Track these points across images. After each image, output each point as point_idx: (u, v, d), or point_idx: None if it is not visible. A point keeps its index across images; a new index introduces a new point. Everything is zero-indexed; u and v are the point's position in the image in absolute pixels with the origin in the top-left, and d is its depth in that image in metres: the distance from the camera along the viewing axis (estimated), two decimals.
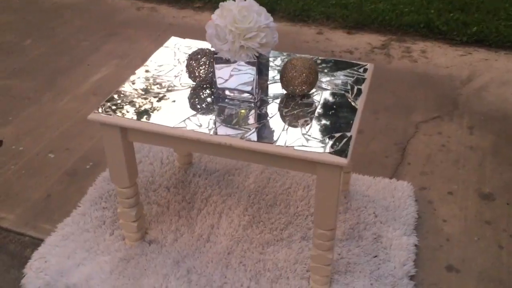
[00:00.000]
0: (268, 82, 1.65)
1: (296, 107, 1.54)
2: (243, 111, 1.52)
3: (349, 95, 1.59)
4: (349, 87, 1.63)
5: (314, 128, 1.45)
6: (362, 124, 2.47)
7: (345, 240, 1.81)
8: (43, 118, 2.53)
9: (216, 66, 1.53)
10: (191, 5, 3.71)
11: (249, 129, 1.44)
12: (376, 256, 1.76)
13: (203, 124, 1.46)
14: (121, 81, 1.71)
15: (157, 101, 1.57)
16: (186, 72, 1.63)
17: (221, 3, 1.48)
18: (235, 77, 1.54)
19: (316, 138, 1.40)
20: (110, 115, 1.50)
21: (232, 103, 1.56)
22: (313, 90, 1.61)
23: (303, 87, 1.54)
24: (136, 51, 3.11)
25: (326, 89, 1.62)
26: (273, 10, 3.60)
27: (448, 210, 1.99)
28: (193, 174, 2.09)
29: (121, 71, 2.88)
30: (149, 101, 1.57)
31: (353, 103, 1.55)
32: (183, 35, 1.97)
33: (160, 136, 1.48)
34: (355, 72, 1.71)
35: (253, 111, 1.53)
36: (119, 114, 1.51)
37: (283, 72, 1.55)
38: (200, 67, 1.59)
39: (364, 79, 1.68)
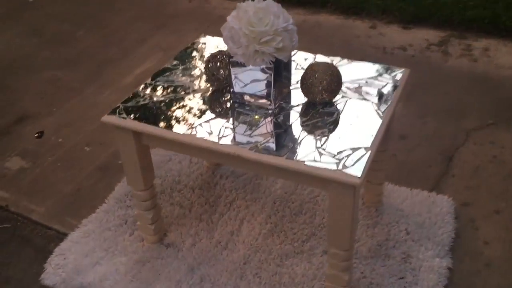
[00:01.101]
0: (291, 87, 1.56)
1: (315, 116, 1.43)
2: (257, 117, 1.43)
3: (376, 105, 1.46)
4: (377, 95, 1.50)
5: (331, 141, 1.34)
6: (406, 129, 2.33)
7: (370, 258, 1.69)
8: (84, 110, 2.56)
9: (232, 69, 1.45)
10: None
11: (261, 139, 1.36)
12: (402, 278, 1.63)
13: (214, 132, 1.39)
14: None
15: (174, 104, 1.52)
16: (205, 74, 1.57)
17: (238, 4, 1.39)
18: (252, 82, 1.46)
19: (330, 153, 1.30)
20: (124, 118, 1.47)
21: (249, 109, 1.48)
22: (338, 97, 1.49)
23: (324, 95, 1.43)
24: (182, 44, 3.08)
25: (351, 97, 1.50)
26: (325, 2, 3.45)
27: (491, 231, 1.81)
28: (220, 175, 2.03)
29: (163, 65, 2.86)
30: (165, 104, 1.52)
31: (379, 114, 1.42)
32: None
33: (170, 142, 1.43)
34: (388, 78, 1.57)
35: (268, 118, 1.44)
36: (132, 117, 1.47)
37: (302, 78, 1.45)
38: (220, 70, 1.51)
39: (396, 87, 1.54)
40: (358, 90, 1.53)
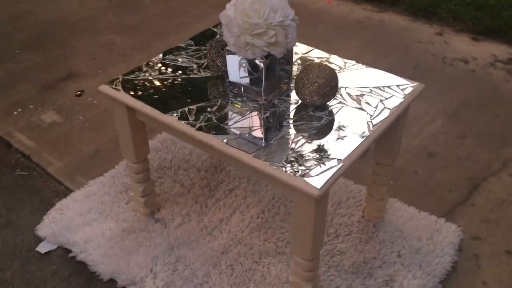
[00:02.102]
0: (293, 84, 1.50)
1: (303, 118, 1.37)
2: (239, 107, 1.40)
3: (370, 118, 1.37)
4: (377, 108, 1.41)
5: (308, 146, 1.28)
6: (438, 147, 2.17)
7: (352, 273, 1.62)
8: None
9: (228, 58, 1.42)
10: None
11: (237, 132, 1.33)
12: None
13: (197, 117, 1.38)
14: None
15: (170, 84, 1.52)
16: (206, 60, 1.55)
17: None
18: (246, 73, 1.42)
19: (301, 159, 1.24)
20: (118, 90, 1.50)
21: (240, 100, 1.45)
22: (334, 102, 1.42)
23: (314, 98, 1.36)
24: None
25: (348, 105, 1.42)
26: (396, 1, 3.28)
27: (495, 272, 1.66)
28: None
29: None
30: (162, 83, 1.53)
31: (369, 127, 1.34)
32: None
33: (154, 121, 1.44)
34: (396, 90, 1.47)
35: (254, 113, 1.40)
36: (127, 90, 1.50)
37: (296, 77, 1.39)
38: (219, 57, 1.49)
39: (400, 101, 1.43)
40: (358, 98, 1.45)
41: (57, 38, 3.00)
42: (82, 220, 1.80)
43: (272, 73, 1.40)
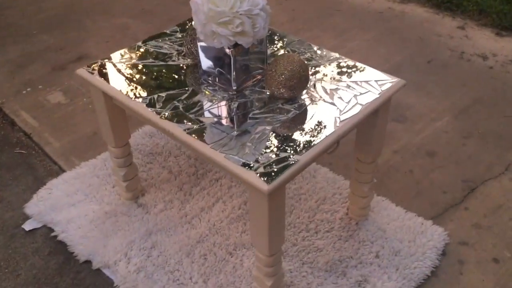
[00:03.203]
0: None
1: (270, 111, 1.34)
2: (207, 94, 1.39)
3: (338, 114, 1.32)
4: (349, 103, 1.36)
5: (267, 140, 1.25)
6: (439, 146, 2.08)
7: (325, 271, 1.58)
8: None
9: (200, 45, 1.40)
10: None
11: (202, 122, 1.31)
12: None
13: (165, 104, 1.37)
14: None
15: (145, 71, 1.52)
16: (183, 47, 1.54)
17: None
18: (217, 62, 1.40)
19: (257, 153, 1.21)
20: (92, 73, 1.51)
21: (212, 89, 1.43)
22: (305, 96, 1.38)
23: (281, 91, 1.33)
24: None
25: (319, 99, 1.38)
26: None
27: (478, 280, 1.58)
28: None
29: None
30: (138, 69, 1.53)
31: (336, 123, 1.29)
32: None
33: (124, 107, 1.45)
34: (374, 86, 1.41)
35: (222, 103, 1.38)
36: (102, 75, 1.50)
37: (265, 68, 1.36)
38: (194, 45, 1.47)
39: (376, 97, 1.37)
40: (332, 92, 1.40)
41: (74, 20, 3.06)
42: (68, 201, 1.84)
43: (241, 63, 1.37)
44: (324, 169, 1.93)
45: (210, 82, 1.45)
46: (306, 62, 1.50)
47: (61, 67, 2.64)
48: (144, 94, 1.42)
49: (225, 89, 1.42)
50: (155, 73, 1.51)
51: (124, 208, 1.80)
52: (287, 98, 1.36)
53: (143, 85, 1.46)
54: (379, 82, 1.43)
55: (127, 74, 1.51)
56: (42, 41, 2.86)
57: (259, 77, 1.45)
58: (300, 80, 1.32)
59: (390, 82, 1.42)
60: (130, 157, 1.72)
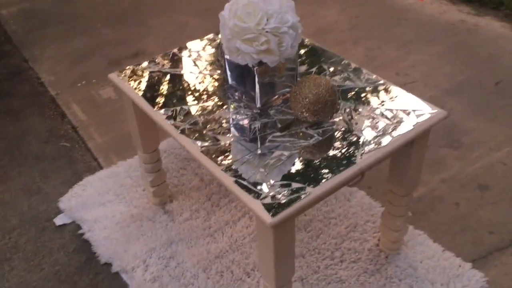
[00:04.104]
0: None
1: (291, 135, 1.26)
2: (232, 108, 1.34)
3: (360, 145, 1.22)
4: (379, 134, 1.25)
5: (282, 167, 1.18)
6: (493, 180, 1.89)
7: None
8: None
9: (227, 60, 1.35)
10: None
11: (217, 140, 1.26)
12: None
13: (187, 119, 1.33)
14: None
15: (175, 79, 1.49)
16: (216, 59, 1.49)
17: None
18: (243, 78, 1.34)
19: (269, 180, 1.14)
20: (124, 80, 1.49)
21: (237, 105, 1.37)
22: (333, 121, 1.29)
23: (305, 114, 1.24)
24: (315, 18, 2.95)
25: (347, 125, 1.28)
26: (499, 5, 2.91)
27: None
28: None
29: None
30: (167, 78, 1.50)
31: (356, 157, 1.19)
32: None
33: (147, 115, 1.42)
34: (409, 117, 1.29)
35: (245, 121, 1.32)
36: (132, 81, 1.49)
37: (291, 90, 1.28)
38: (223, 58, 1.42)
39: (406, 131, 1.25)
40: (362, 119, 1.29)
41: (137, 16, 3.10)
42: (99, 200, 1.86)
43: (268, 80, 1.30)
44: (361, 192, 1.82)
45: (236, 97, 1.39)
46: (341, 82, 1.40)
47: (117, 62, 2.69)
48: (167, 105, 1.39)
49: (250, 107, 1.35)
50: (183, 84, 1.47)
51: (150, 213, 1.79)
52: (311, 123, 1.28)
53: (168, 96, 1.43)
54: (417, 112, 1.30)
55: (157, 82, 1.48)
56: (103, 35, 2.93)
57: (288, 95, 1.37)
58: (326, 105, 1.23)
59: (429, 113, 1.30)
60: (159, 163, 1.71)
